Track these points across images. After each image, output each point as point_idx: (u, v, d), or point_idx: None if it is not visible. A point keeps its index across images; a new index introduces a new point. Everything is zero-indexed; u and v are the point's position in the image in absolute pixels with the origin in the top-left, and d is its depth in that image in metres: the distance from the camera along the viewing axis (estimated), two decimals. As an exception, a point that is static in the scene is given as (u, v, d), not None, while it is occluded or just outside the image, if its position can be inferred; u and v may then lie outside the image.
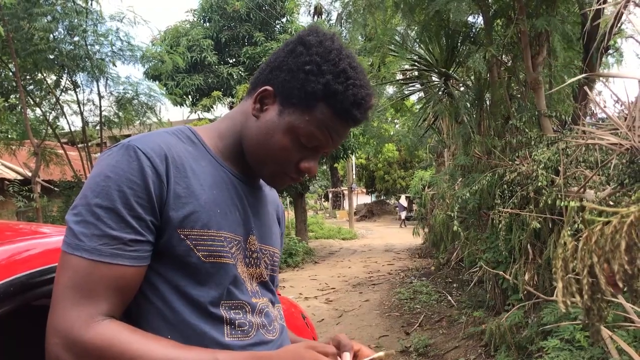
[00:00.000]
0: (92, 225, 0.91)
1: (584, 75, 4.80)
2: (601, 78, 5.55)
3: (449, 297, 7.62)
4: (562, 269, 0.67)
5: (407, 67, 9.53)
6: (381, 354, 1.12)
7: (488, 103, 6.63)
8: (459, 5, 4.80)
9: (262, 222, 1.22)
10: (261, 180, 1.28)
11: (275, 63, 1.10)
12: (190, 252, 1.00)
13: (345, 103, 1.04)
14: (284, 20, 16.05)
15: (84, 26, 7.42)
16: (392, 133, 19.66)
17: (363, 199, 42.86)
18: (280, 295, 2.83)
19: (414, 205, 25.11)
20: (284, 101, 1.07)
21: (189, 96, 14.59)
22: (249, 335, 1.08)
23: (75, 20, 7.25)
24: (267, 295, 1.20)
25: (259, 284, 1.19)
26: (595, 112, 6.46)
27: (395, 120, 21.43)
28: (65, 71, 8.25)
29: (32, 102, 8.97)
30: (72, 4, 7.13)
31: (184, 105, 14.57)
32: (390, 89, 11.68)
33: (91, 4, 7.35)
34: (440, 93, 8.23)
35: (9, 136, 10.01)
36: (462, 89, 7.86)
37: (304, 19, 19.75)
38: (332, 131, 1.08)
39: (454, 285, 8.65)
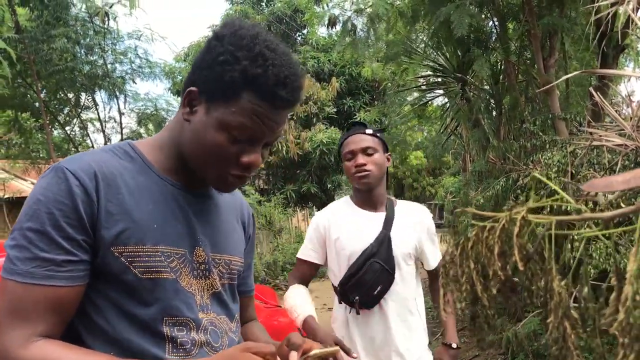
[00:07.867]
0: (24, 249, 0.93)
1: (578, 72, 4.68)
2: (616, 78, 5.41)
3: (473, 305, 7.48)
4: (444, 276, 0.66)
5: (428, 72, 9.42)
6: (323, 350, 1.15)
7: (507, 107, 6.52)
8: (462, 18, 4.72)
9: (215, 230, 1.20)
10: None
11: (197, 63, 1.08)
12: (126, 269, 1.00)
13: (267, 85, 0.99)
14: (304, 32, 16.12)
15: (103, 45, 7.59)
16: (418, 140, 19.50)
17: (392, 207, 42.46)
18: (268, 303, 2.82)
19: (444, 212, 24.75)
20: (209, 98, 1.04)
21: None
22: (190, 354, 1.07)
23: (94, 40, 7.42)
24: (216, 309, 1.17)
25: (212, 295, 1.16)
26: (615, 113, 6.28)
27: (423, 128, 21.24)
28: (85, 90, 8.44)
29: (57, 122, 9.21)
30: (91, 24, 7.30)
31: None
32: (413, 95, 11.58)
33: (108, 24, 7.50)
34: (458, 98, 8.12)
35: (40, 155, 10.29)
36: (480, 94, 7.75)
37: (324, 30, 19.83)
38: (263, 118, 1.03)
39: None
